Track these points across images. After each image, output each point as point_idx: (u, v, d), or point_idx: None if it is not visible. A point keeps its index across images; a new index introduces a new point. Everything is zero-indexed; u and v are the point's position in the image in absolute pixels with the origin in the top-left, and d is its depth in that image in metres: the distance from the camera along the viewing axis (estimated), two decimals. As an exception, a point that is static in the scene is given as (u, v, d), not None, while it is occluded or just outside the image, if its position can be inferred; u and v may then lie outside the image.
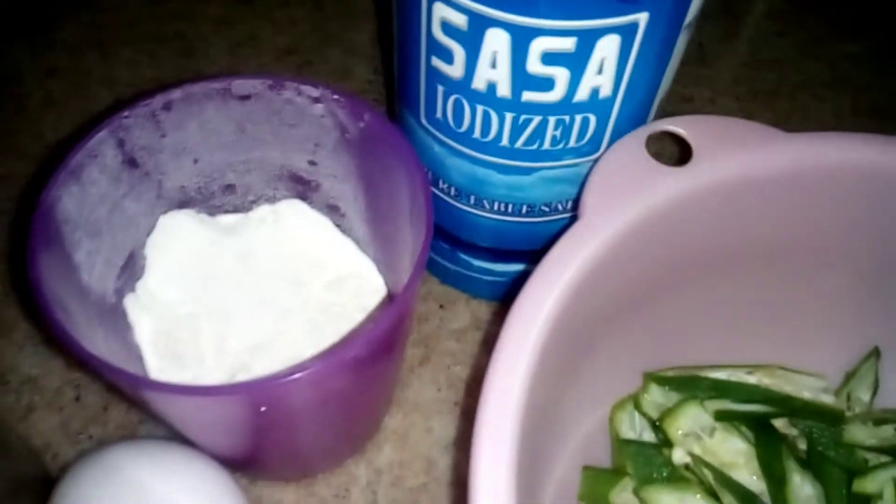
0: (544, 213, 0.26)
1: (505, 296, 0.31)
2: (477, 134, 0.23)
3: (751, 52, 0.43)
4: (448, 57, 0.22)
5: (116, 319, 0.23)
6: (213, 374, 0.24)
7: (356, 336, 0.20)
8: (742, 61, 0.42)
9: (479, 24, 0.20)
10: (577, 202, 0.26)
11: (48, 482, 0.26)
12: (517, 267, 0.29)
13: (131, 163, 0.22)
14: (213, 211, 0.26)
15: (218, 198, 0.26)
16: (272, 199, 0.27)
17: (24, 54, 0.39)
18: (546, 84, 0.21)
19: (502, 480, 0.17)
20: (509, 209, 0.26)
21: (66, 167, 0.20)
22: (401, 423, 0.29)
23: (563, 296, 0.20)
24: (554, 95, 0.22)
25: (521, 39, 0.20)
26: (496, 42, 0.20)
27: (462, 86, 0.22)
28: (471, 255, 0.29)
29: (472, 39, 0.21)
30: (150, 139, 0.22)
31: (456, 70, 0.22)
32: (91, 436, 0.28)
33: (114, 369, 0.18)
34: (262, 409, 0.20)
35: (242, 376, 0.24)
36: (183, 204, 0.25)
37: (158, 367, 0.24)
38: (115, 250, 0.23)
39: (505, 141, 0.23)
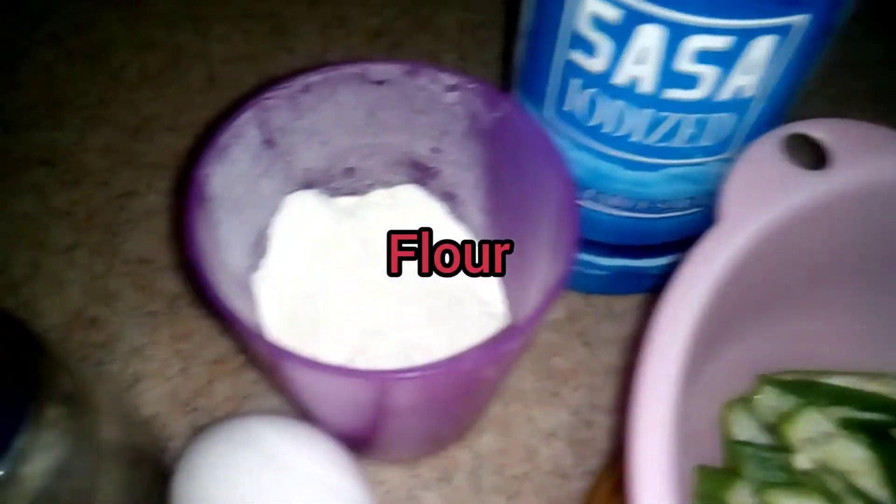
0: (661, 210, 0.26)
1: (601, 289, 0.31)
2: (608, 129, 0.23)
3: (841, 54, 0.42)
4: (591, 51, 0.22)
5: (247, 296, 0.23)
6: (330, 355, 0.25)
7: (489, 343, 0.20)
8: (832, 62, 0.42)
9: (633, 19, 0.20)
10: (695, 200, 0.26)
11: (162, 451, 0.27)
12: (621, 262, 0.29)
13: (269, 143, 0.23)
14: (332, 193, 0.26)
15: (338, 180, 0.26)
16: (388, 184, 0.27)
17: (119, 26, 0.39)
18: (691, 82, 0.21)
19: (664, 480, 0.17)
20: (627, 204, 0.26)
21: (215, 145, 0.20)
22: (502, 411, 0.29)
23: (706, 297, 0.20)
24: (697, 94, 0.21)
25: (675, 36, 0.20)
26: (648, 38, 0.20)
27: (601, 80, 0.22)
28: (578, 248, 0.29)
29: (622, 34, 0.21)
30: (287, 120, 0.23)
31: (597, 64, 0.22)
32: (197, 408, 0.28)
33: (271, 345, 0.18)
34: (388, 396, 0.20)
35: (360, 359, 0.24)
36: (307, 185, 0.25)
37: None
38: (248, 228, 0.23)
39: (637, 137, 0.23)
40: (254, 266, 0.24)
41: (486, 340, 0.25)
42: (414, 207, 0.27)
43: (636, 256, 0.29)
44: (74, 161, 0.34)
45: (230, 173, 0.21)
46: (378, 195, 0.27)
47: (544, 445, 0.28)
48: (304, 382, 0.20)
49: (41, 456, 0.20)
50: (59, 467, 0.21)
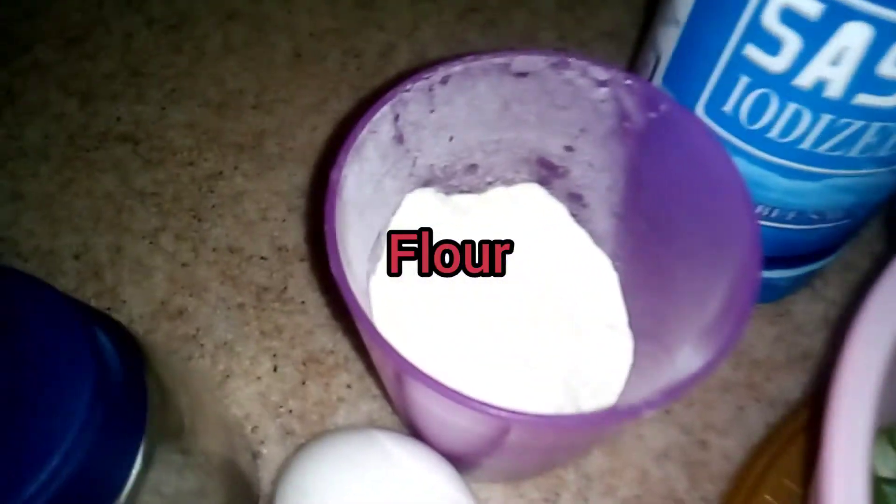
0: (811, 222, 0.24)
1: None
2: (774, 133, 0.21)
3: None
4: (773, 48, 0.19)
5: (366, 304, 0.21)
6: (440, 370, 0.23)
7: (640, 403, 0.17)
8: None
9: (836, 16, 0.17)
10: (851, 211, 0.23)
11: (255, 456, 0.25)
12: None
13: (399, 139, 0.20)
14: (449, 191, 0.24)
15: (458, 177, 0.24)
16: (509, 182, 0.24)
17: (200, -7, 0.37)
18: (891, 88, 0.18)
19: None
20: (774, 214, 0.23)
21: (352, 143, 0.18)
22: (611, 427, 0.27)
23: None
24: (892, 100, 0.19)
25: (885, 37, 0.17)
26: (851, 37, 0.18)
27: (779, 81, 0.19)
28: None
29: (818, 32, 0.18)
30: (420, 114, 0.20)
31: (779, 63, 0.19)
32: (291, 410, 0.27)
33: (404, 361, 0.16)
34: (511, 433, 0.18)
35: (474, 377, 0.22)
36: (427, 183, 0.23)
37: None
38: (369, 231, 0.21)
39: (807, 144, 0.21)
40: (371, 270, 0.22)
41: (636, 403, 0.23)
42: (535, 207, 0.25)
43: (768, 268, 0.26)
44: (158, 138, 0.32)
45: (363, 173, 0.19)
46: (497, 193, 0.25)
47: (656, 467, 0.26)
48: (435, 408, 0.18)
49: (157, 469, 0.18)
50: (170, 495, 0.19)
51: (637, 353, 0.24)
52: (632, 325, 0.24)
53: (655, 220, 0.22)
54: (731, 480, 0.26)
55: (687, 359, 0.19)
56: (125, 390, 0.17)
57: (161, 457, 0.18)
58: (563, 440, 0.19)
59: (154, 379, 0.19)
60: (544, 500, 0.25)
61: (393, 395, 0.22)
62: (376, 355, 0.18)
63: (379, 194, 0.21)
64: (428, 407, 0.19)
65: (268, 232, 0.30)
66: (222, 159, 0.32)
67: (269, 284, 0.29)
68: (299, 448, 0.23)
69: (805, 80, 0.19)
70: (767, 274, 0.27)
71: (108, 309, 0.28)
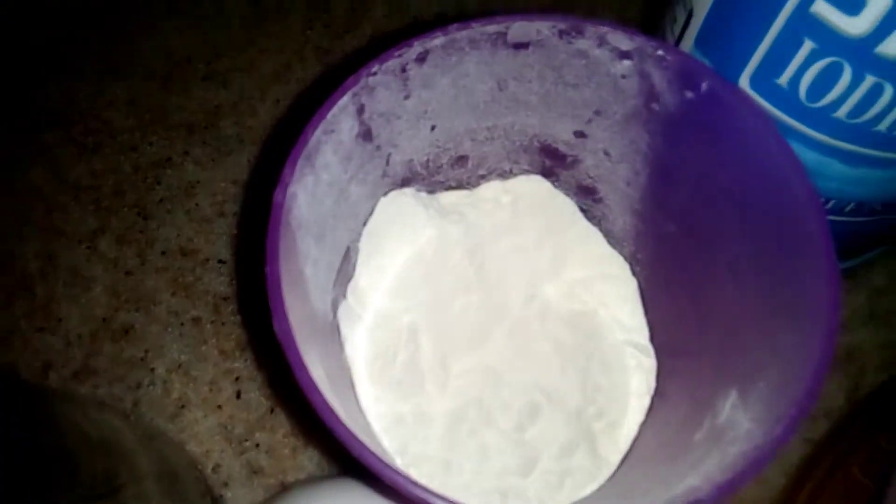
0: (867, 214, 0.19)
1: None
2: (842, 112, 0.16)
3: None
4: (855, 5, 0.14)
5: (331, 338, 0.17)
6: (436, 405, 0.18)
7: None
8: None
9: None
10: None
11: (214, 502, 0.21)
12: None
13: (365, 135, 0.16)
14: (433, 188, 0.19)
15: (444, 172, 0.19)
16: (506, 175, 0.20)
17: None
18: None
19: None
20: (830, 205, 0.19)
21: (302, 153, 0.13)
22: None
23: None
24: None
25: None
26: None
27: (857, 47, 0.15)
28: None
29: (919, -17, 0.13)
30: (391, 102, 0.16)
31: (859, 24, 0.14)
32: (258, 444, 0.22)
33: (376, 462, 0.12)
34: None
35: (473, 412, 0.18)
36: (405, 182, 0.18)
37: (373, 395, 0.18)
38: (333, 250, 0.17)
39: (884, 126, 0.16)
40: (340, 296, 0.18)
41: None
42: (537, 204, 0.20)
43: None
44: (93, 119, 0.27)
45: (318, 185, 0.14)
46: (492, 188, 0.20)
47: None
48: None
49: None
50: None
51: (662, 374, 0.20)
52: (654, 340, 0.20)
53: (687, 223, 0.18)
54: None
55: (732, 415, 0.15)
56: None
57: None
58: None
59: (59, 438, 0.14)
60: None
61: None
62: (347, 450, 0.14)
63: (343, 205, 0.16)
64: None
65: (226, 230, 0.26)
66: (170, 143, 0.27)
67: (229, 293, 0.25)
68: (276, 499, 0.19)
69: (891, 47, 0.14)
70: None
71: (41, 329, 0.24)
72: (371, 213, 0.18)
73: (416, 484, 0.12)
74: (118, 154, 0.27)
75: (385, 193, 0.18)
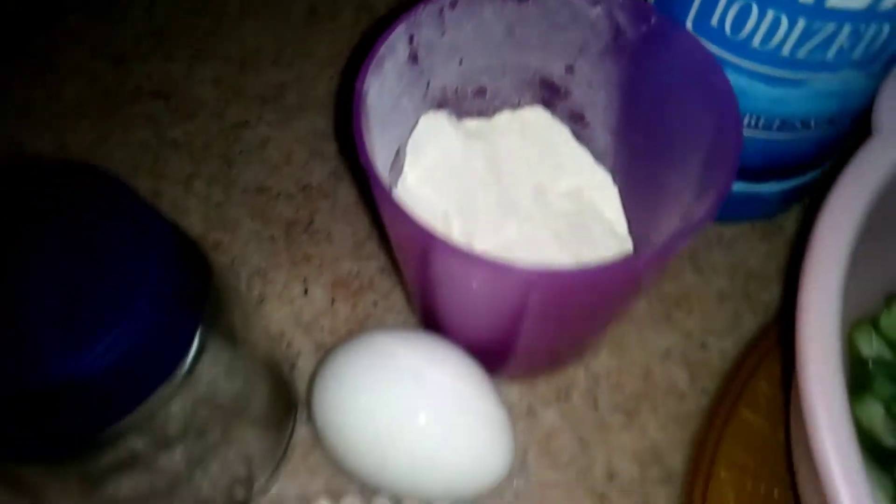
0: (796, 129, 0.25)
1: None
2: (756, 43, 0.22)
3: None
4: (751, -43, 0.20)
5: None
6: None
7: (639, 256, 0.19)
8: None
9: (806, -80, 0.19)
10: (835, 118, 0.25)
11: (291, 368, 0.27)
12: (741, 186, 0.28)
13: (414, 59, 0.22)
14: (460, 114, 0.25)
15: (468, 101, 0.25)
16: (515, 106, 0.26)
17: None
18: (857, -11, 0.20)
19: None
20: (761, 123, 0.25)
21: (372, 58, 0.20)
22: (615, 332, 0.28)
23: (860, 213, 0.20)
24: (861, 2, 0.20)
25: (850, -62, 0.19)
26: (819, -60, 0.19)
27: (757, -11, 0.21)
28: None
29: (790, -63, 0.19)
30: (432, 37, 0.22)
31: (756, -28, 0.20)
32: (322, 327, 0.28)
33: (430, 233, 0.18)
34: (531, 296, 0.19)
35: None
36: (440, 105, 0.24)
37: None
38: (389, 146, 0.23)
39: (786, 51, 0.22)
40: (392, 185, 0.24)
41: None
42: (540, 130, 0.26)
43: (758, 180, 0.28)
44: (186, 93, 0.34)
45: (382, 87, 0.21)
46: (504, 118, 0.26)
47: (659, 366, 0.28)
48: (458, 281, 0.20)
49: (211, 359, 0.20)
50: (224, 372, 0.21)
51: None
52: (631, 231, 0.26)
53: (650, 134, 0.24)
54: (726, 374, 0.27)
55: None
56: (188, 278, 0.19)
57: (213, 352, 0.20)
58: (575, 298, 0.20)
59: (212, 280, 0.20)
60: (556, 397, 0.27)
61: (417, 287, 0.24)
62: (402, 235, 0.20)
63: (397, 112, 0.22)
64: (454, 284, 0.20)
65: (292, 174, 0.32)
66: (247, 110, 0.34)
67: (296, 219, 0.31)
68: (330, 353, 0.24)
69: (781, -14, 0.20)
70: (759, 188, 0.28)
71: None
72: (415, 125, 0.24)
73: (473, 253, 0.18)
74: (206, 119, 0.33)
75: (425, 112, 0.24)
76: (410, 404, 0.22)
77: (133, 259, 0.17)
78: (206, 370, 0.20)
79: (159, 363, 0.18)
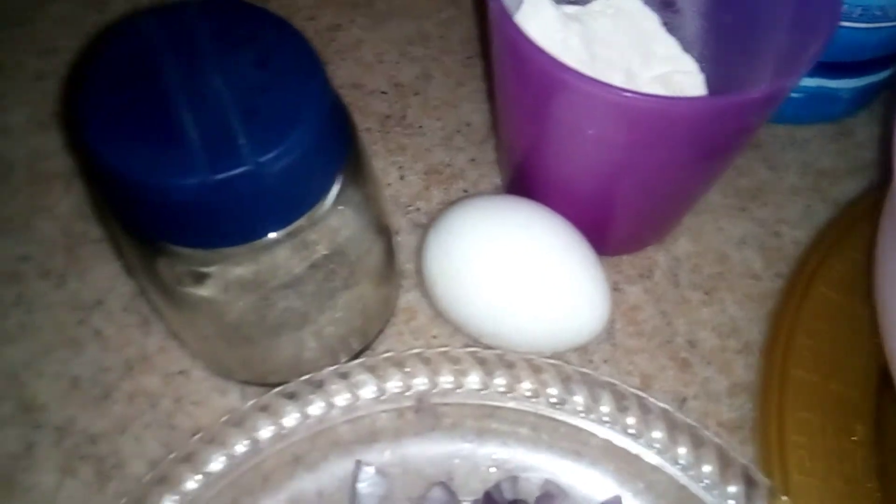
0: (875, 19, 0.26)
1: (786, 115, 0.31)
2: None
3: None
4: None
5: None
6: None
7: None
8: None
9: None
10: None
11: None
12: (817, 81, 0.29)
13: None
14: (559, 0, 0.26)
15: (566, -14, 0.26)
16: (610, -7, 0.27)
17: None
18: None
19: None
20: (842, 10, 0.25)
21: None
22: (693, 221, 0.29)
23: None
24: None
25: None
26: None
27: None
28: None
29: None
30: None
31: None
32: (418, 208, 0.30)
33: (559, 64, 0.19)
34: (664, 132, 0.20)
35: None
36: (542, -12, 0.25)
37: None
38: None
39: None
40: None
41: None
42: (631, 17, 0.27)
43: (834, 75, 0.28)
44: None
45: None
46: (599, 4, 0.27)
47: (735, 251, 0.29)
48: (578, 124, 0.21)
49: (345, 205, 0.21)
50: (353, 223, 0.22)
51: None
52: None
53: (741, 11, 0.24)
54: (800, 258, 0.28)
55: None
56: (340, 116, 0.20)
57: (348, 198, 0.21)
58: (718, 128, 0.21)
59: (354, 133, 0.22)
60: (640, 275, 0.28)
61: (521, 151, 0.25)
62: (526, 75, 0.21)
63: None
64: (570, 131, 0.21)
65: (384, 72, 0.33)
66: (340, 14, 0.35)
67: (390, 113, 0.32)
68: (443, 212, 0.26)
69: None
70: (832, 83, 0.29)
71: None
72: (521, 5, 0.25)
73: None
74: (302, 21, 0.35)
75: (527, -7, 0.25)
76: (518, 257, 0.24)
77: (301, 85, 0.18)
78: (340, 215, 0.21)
79: (319, 178, 0.20)
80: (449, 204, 0.30)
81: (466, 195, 0.30)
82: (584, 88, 0.19)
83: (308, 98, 0.18)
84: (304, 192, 0.19)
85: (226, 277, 0.20)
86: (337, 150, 0.20)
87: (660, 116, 0.19)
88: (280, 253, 0.20)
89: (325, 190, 0.20)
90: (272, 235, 0.19)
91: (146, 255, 0.20)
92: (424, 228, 0.29)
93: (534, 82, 0.21)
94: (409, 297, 0.28)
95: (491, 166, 0.31)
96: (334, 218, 0.21)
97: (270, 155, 0.17)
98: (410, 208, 0.30)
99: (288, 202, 0.19)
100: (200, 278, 0.20)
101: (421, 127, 0.32)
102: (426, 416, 0.24)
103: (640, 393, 0.24)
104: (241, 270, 0.20)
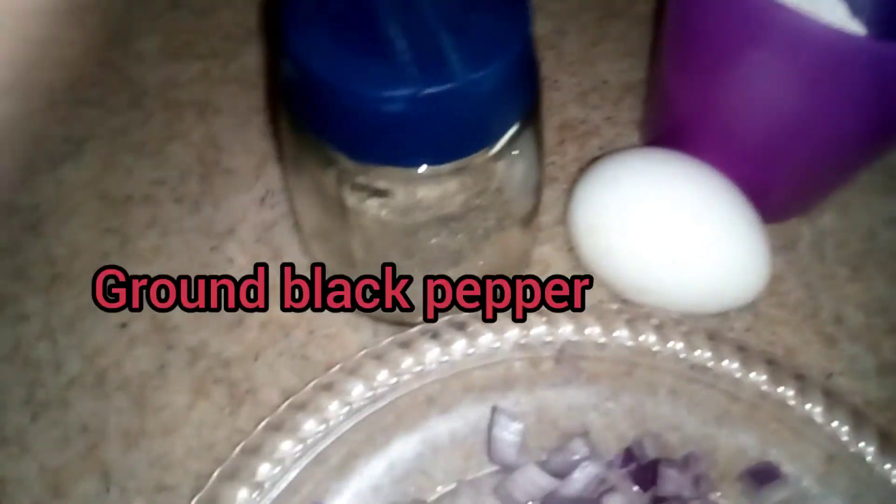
0: None
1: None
2: None
3: None
4: None
5: None
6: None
7: None
8: None
9: None
10: None
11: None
12: None
13: None
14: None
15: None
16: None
17: None
18: None
19: None
20: None
21: None
22: (840, 196, 0.28)
23: None
24: None
25: None
26: None
27: None
28: None
29: None
30: None
31: None
32: (553, 162, 0.29)
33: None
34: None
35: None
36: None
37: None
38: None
39: None
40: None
41: None
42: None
43: None
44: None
45: None
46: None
47: (884, 229, 0.28)
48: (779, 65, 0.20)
49: (517, 147, 0.20)
50: (519, 164, 0.21)
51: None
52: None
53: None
54: (958, 242, 0.27)
55: None
56: (533, 53, 0.19)
57: (524, 137, 0.20)
58: None
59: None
60: (783, 246, 0.27)
61: (689, 106, 0.24)
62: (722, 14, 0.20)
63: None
64: (772, 67, 0.20)
65: (519, 24, 0.32)
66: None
67: (524, 65, 0.31)
68: (594, 163, 0.25)
69: None
70: None
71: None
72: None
73: None
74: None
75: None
76: (677, 212, 0.23)
77: (508, 6, 0.18)
78: (512, 157, 0.20)
79: (513, 108, 0.19)
80: (584, 161, 0.29)
81: (603, 152, 0.29)
82: (805, 27, 0.18)
83: (514, 22, 0.18)
84: (500, 118, 0.19)
85: (403, 199, 0.19)
86: (529, 83, 0.20)
87: (877, 59, 0.18)
88: (451, 185, 0.20)
89: (513, 122, 0.19)
90: (451, 164, 0.19)
91: (324, 172, 0.19)
92: (559, 182, 0.28)
93: (740, 22, 0.20)
94: (542, 250, 0.27)
95: (627, 126, 0.30)
96: (506, 158, 0.20)
97: (481, 73, 0.17)
98: (546, 161, 0.29)
99: (484, 127, 0.18)
100: (380, 196, 0.19)
101: (556, 81, 0.31)
102: (566, 367, 0.24)
103: (791, 363, 0.23)
104: (420, 193, 0.19)
